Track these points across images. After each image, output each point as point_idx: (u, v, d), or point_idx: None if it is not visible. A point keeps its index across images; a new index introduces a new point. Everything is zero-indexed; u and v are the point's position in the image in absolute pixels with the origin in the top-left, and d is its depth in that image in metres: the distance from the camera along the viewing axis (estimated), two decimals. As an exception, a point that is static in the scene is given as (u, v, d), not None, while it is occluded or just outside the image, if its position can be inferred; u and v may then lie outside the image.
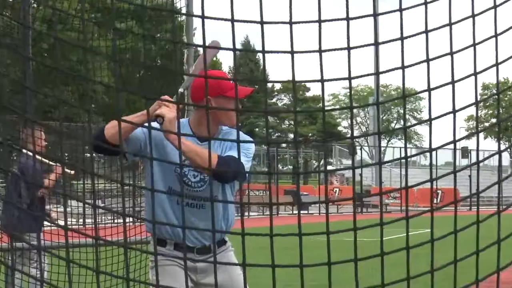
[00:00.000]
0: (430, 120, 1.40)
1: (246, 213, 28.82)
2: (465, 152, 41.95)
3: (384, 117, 73.55)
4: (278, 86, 68.63)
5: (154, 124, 3.37)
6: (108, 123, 3.46)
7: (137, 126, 3.29)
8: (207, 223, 3.56)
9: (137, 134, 3.48)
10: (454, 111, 1.42)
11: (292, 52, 1.25)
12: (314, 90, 67.07)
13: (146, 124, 3.16)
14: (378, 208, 24.90)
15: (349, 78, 1.34)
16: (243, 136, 3.72)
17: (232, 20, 1.26)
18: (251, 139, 3.83)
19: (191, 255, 3.64)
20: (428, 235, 1.52)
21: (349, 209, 30.82)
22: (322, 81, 1.28)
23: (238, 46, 64.69)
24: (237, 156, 3.47)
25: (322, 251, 1.52)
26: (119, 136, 1.42)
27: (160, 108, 3.32)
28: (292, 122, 62.50)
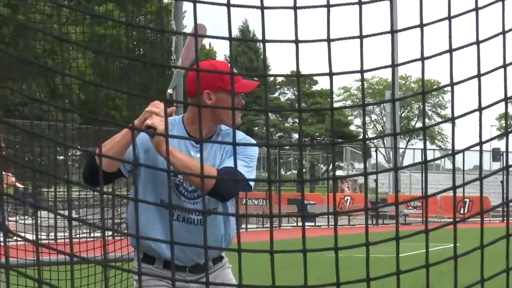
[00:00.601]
0: (453, 119, 1.41)
1: (244, 226, 28.80)
2: (497, 154, 41.91)
3: (403, 114, 73.55)
4: (280, 78, 68.49)
5: (145, 135, 3.49)
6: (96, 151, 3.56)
7: (126, 127, 3.33)
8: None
9: (129, 149, 3.50)
10: (480, 109, 1.43)
11: (296, 42, 1.26)
12: (322, 83, 67.06)
13: (139, 132, 3.33)
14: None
15: (362, 71, 1.34)
16: (246, 139, 3.68)
17: (228, 5, 1.26)
18: (253, 141, 3.81)
19: (183, 274, 3.64)
20: (452, 250, 1.54)
21: (362, 220, 30.77)
22: (330, 74, 1.29)
23: (236, 31, 64.54)
24: (236, 165, 3.49)
25: (331, 269, 1.53)
26: (100, 155, 1.44)
27: (151, 118, 3.34)
28: (297, 120, 62.41)
